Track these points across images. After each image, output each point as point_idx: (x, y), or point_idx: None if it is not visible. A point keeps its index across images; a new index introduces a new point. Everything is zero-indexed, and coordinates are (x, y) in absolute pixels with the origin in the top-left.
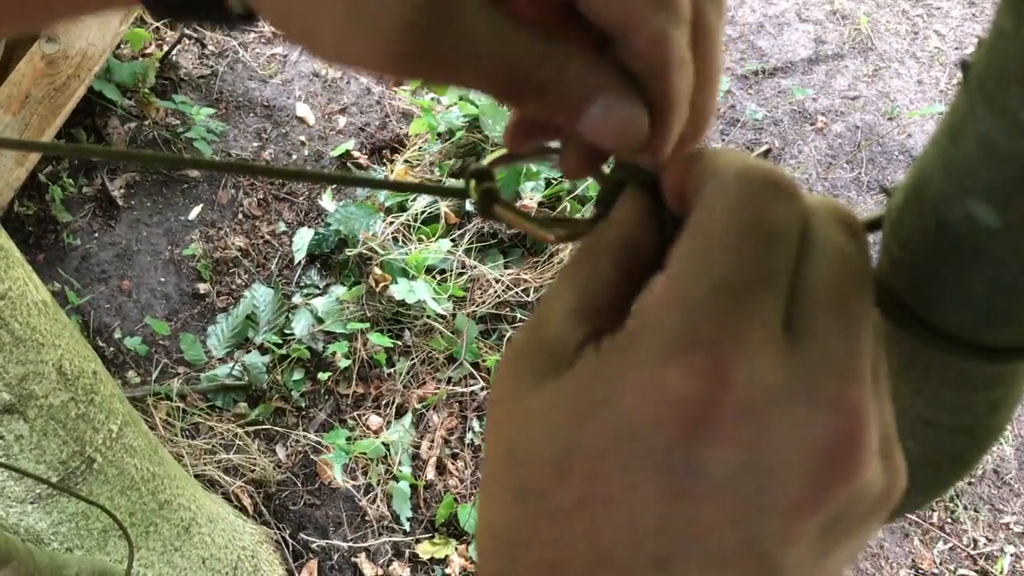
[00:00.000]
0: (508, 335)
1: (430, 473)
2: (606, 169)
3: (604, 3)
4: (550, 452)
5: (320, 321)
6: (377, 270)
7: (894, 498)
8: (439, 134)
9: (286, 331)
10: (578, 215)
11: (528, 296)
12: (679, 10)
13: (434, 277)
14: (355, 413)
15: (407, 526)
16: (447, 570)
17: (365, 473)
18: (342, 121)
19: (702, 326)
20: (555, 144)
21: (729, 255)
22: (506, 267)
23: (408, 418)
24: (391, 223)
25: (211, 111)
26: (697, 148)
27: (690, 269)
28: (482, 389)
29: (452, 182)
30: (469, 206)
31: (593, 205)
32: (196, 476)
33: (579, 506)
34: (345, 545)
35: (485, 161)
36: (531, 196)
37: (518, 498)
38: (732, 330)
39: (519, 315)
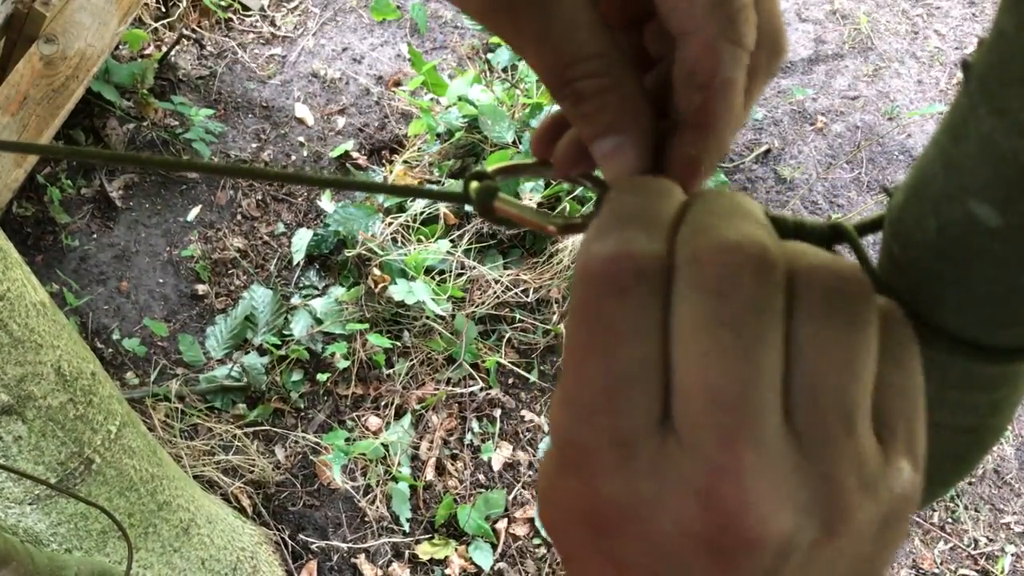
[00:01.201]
0: (507, 336)
1: (429, 474)
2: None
3: (672, 4)
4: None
5: (319, 322)
6: (376, 271)
7: (848, 532)
8: (438, 135)
9: (285, 332)
10: (576, 215)
11: (527, 296)
12: (740, 33)
13: (433, 278)
14: (354, 414)
15: (406, 527)
16: (447, 571)
17: (364, 474)
18: (341, 122)
19: (568, 454)
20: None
21: (574, 376)
22: (505, 268)
23: (407, 419)
24: (390, 224)
25: (210, 112)
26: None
27: (557, 393)
28: (481, 390)
29: (451, 183)
30: (468, 208)
31: (592, 206)
32: (195, 477)
33: (568, 560)
34: (344, 546)
35: (488, 167)
36: (530, 196)
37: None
38: (589, 457)
39: (518, 315)
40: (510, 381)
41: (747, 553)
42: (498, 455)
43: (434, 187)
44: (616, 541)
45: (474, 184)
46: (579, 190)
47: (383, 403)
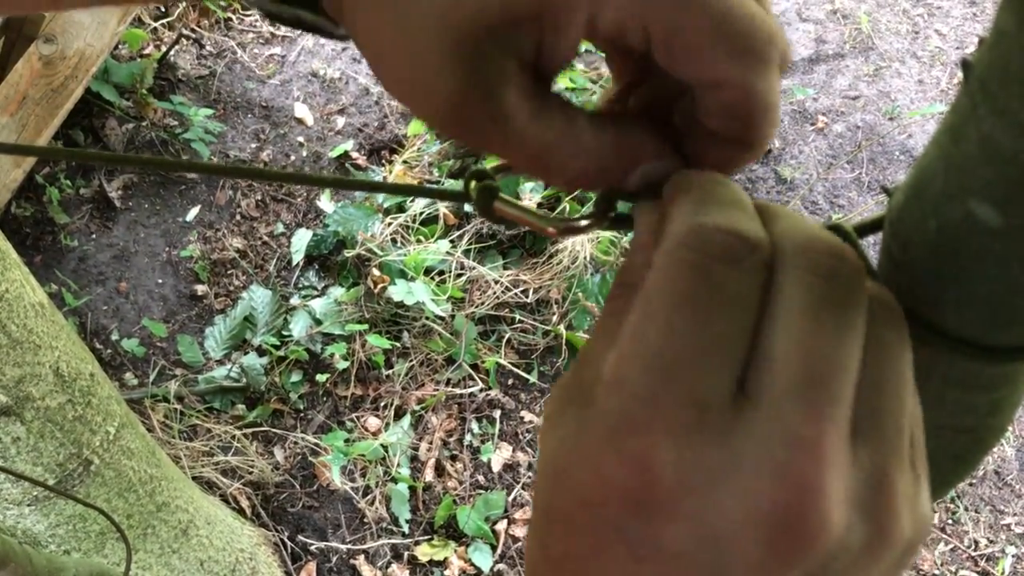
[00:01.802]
0: (507, 337)
1: (429, 475)
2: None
3: (687, 63)
4: (540, 505)
5: (318, 323)
6: (375, 271)
7: (889, 546)
8: (438, 135)
9: (284, 333)
10: (576, 215)
11: (527, 297)
12: (765, 58)
13: (433, 278)
14: (353, 415)
15: (406, 528)
16: (446, 572)
17: (364, 475)
18: (340, 122)
19: (633, 411)
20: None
21: (662, 332)
22: (505, 268)
23: (407, 420)
24: (389, 224)
25: (209, 112)
26: (677, 178)
27: (628, 347)
28: (481, 391)
29: (451, 183)
30: (468, 207)
31: (592, 206)
32: (194, 478)
33: (564, 558)
34: (344, 547)
35: (488, 165)
36: (530, 197)
37: (531, 540)
38: (660, 414)
39: (518, 316)
40: (510, 382)
41: (809, 541)
42: (498, 456)
43: (434, 187)
44: (658, 523)
45: (474, 184)
46: (579, 190)
47: (382, 404)
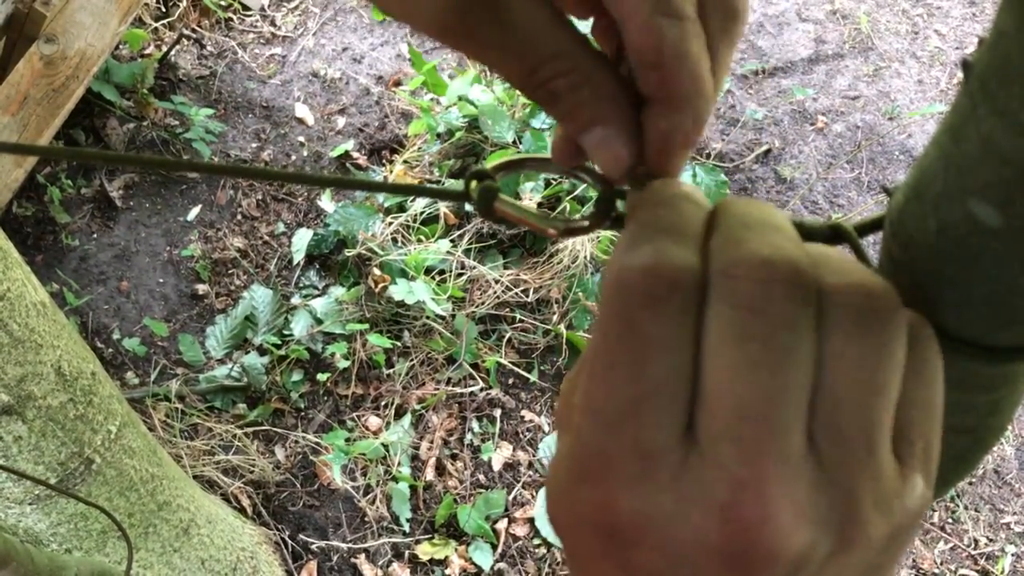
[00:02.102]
0: (507, 336)
1: (429, 474)
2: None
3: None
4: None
5: (319, 322)
6: (376, 271)
7: (859, 549)
8: (438, 135)
9: (285, 332)
10: (577, 215)
11: (528, 296)
12: (673, 6)
13: (433, 278)
14: (354, 414)
15: (407, 527)
16: (447, 571)
17: (364, 474)
18: (341, 122)
19: (587, 462)
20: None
21: (601, 387)
22: (505, 267)
23: (407, 419)
24: (390, 224)
25: (210, 112)
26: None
27: (580, 400)
28: (481, 390)
29: (451, 183)
30: (469, 207)
31: (593, 206)
32: (195, 477)
33: (571, 557)
34: (344, 546)
35: (487, 164)
36: (530, 196)
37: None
38: (610, 466)
39: (519, 315)
40: (510, 381)
41: (764, 566)
42: (498, 455)
43: (434, 187)
44: (631, 551)
45: (475, 184)
46: (580, 189)
47: (383, 403)
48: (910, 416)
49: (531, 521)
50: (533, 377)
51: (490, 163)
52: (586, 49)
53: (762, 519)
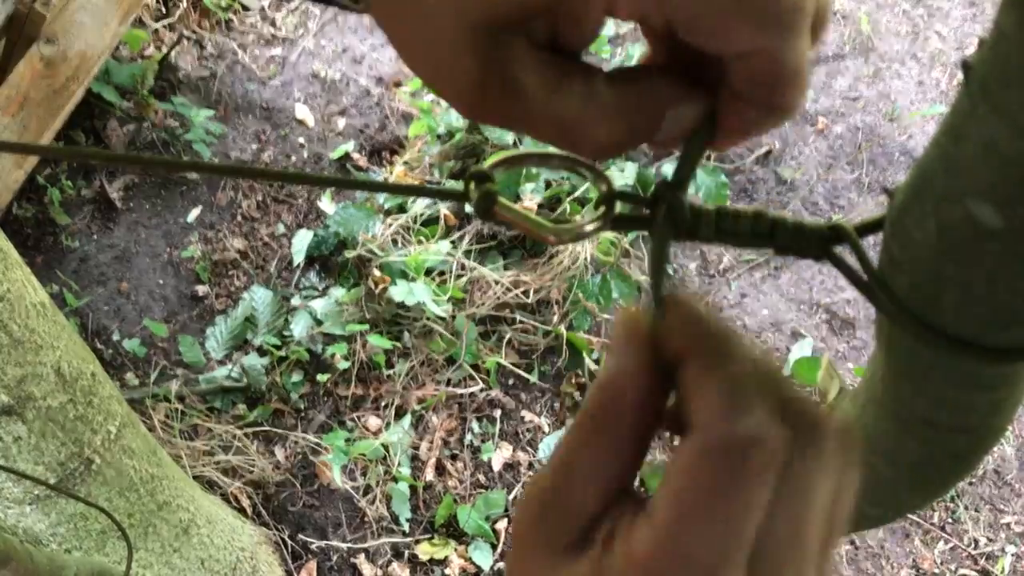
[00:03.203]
0: (507, 337)
1: (429, 474)
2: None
3: (712, 40)
4: None
5: (319, 323)
6: (376, 272)
7: None
8: (439, 136)
9: (285, 333)
10: (578, 216)
11: (528, 298)
12: (792, 27)
13: (433, 279)
14: (354, 414)
15: (406, 527)
16: (446, 571)
17: (364, 474)
18: (341, 123)
19: None
20: (554, 150)
21: (698, 535)
22: (506, 269)
23: (407, 419)
24: (390, 225)
25: (210, 113)
26: (698, 308)
27: (662, 540)
28: (481, 391)
29: (452, 184)
30: (469, 208)
31: (593, 206)
32: (195, 477)
33: None
34: (344, 546)
35: (485, 164)
36: (531, 197)
37: None
38: None
39: (519, 317)
40: (510, 382)
41: None
42: (498, 456)
43: (434, 187)
44: None
45: (474, 185)
46: (580, 191)
47: (383, 404)
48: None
49: None
50: (533, 378)
51: (489, 163)
52: (600, 84)
53: None
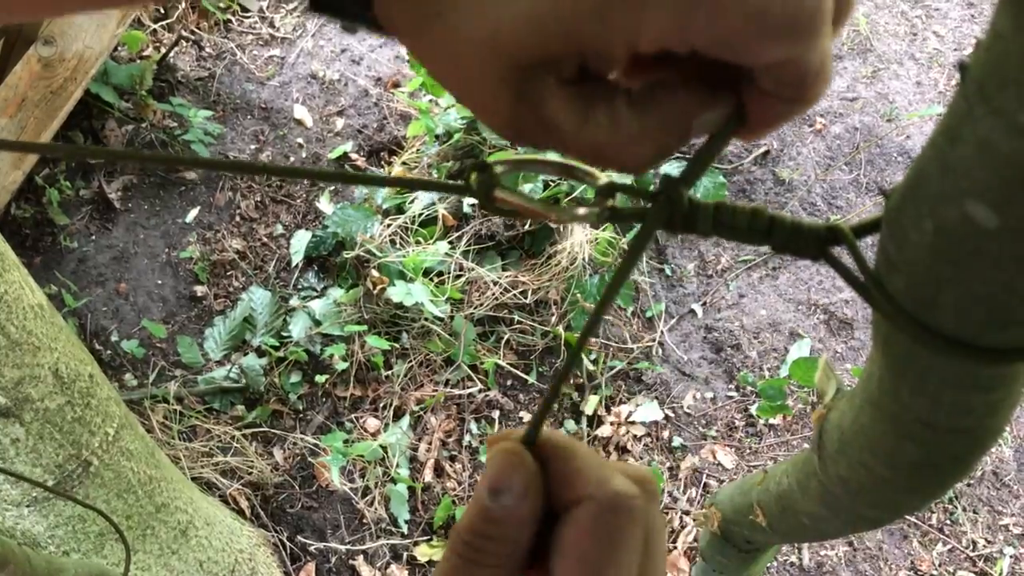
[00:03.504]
0: (506, 338)
1: (428, 475)
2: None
3: (738, 57)
4: None
5: (317, 324)
6: (375, 272)
7: None
8: (437, 136)
9: (283, 334)
10: (575, 208)
11: (526, 298)
12: (814, 30)
13: (432, 279)
14: (353, 415)
15: (405, 528)
16: None
17: (363, 475)
18: (340, 123)
19: None
20: (552, 157)
21: None
22: (504, 269)
23: (406, 420)
24: (388, 225)
25: (209, 113)
26: (569, 447)
27: None
28: (480, 391)
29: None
30: (467, 208)
31: (594, 196)
32: (193, 479)
33: None
34: (343, 548)
35: (489, 158)
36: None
37: None
38: None
39: (517, 317)
40: (509, 383)
41: None
42: None
43: (436, 180)
44: None
45: (475, 175)
46: (577, 191)
47: (382, 405)
48: None
49: None
50: (531, 378)
51: (492, 158)
52: (621, 109)
53: None
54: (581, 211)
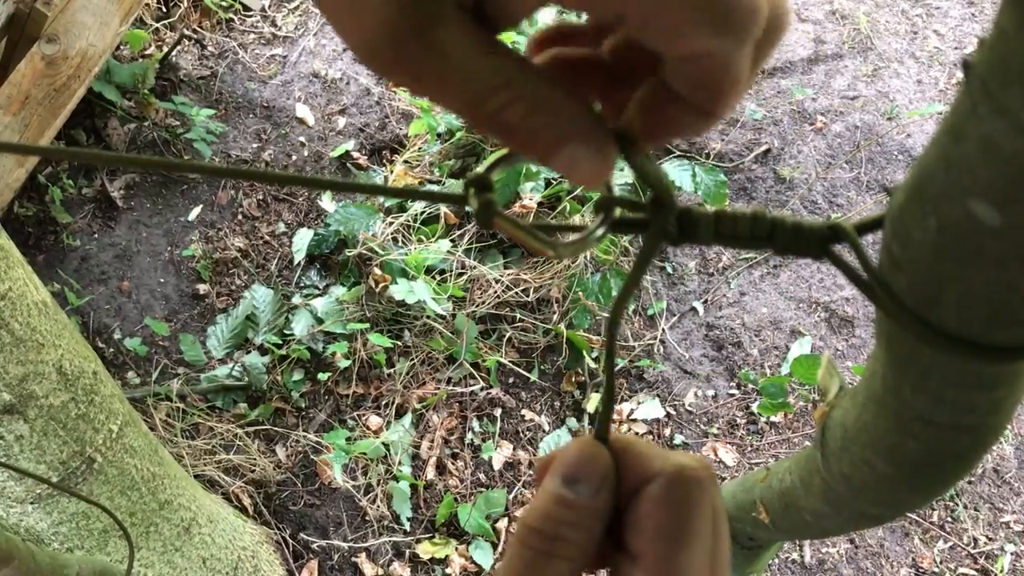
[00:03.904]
0: (508, 335)
1: (430, 473)
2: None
3: (665, 41)
4: None
5: (320, 321)
6: (377, 270)
7: None
8: (439, 134)
9: (286, 332)
10: (577, 215)
11: (528, 296)
12: (747, 33)
13: (434, 277)
14: (355, 413)
15: (407, 526)
16: (447, 570)
17: (365, 473)
18: (341, 122)
19: None
20: None
21: (687, 564)
22: (506, 267)
23: (408, 418)
24: (391, 223)
25: (211, 112)
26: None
27: None
28: (482, 389)
29: (452, 183)
30: (469, 208)
31: (593, 210)
32: (196, 476)
33: None
34: (345, 545)
35: (482, 167)
36: (530, 196)
37: None
38: None
39: (519, 315)
40: (511, 380)
41: None
42: (499, 454)
43: (435, 187)
44: None
45: (473, 192)
46: (579, 189)
47: (384, 402)
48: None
49: None
50: (533, 376)
51: (487, 163)
52: (530, 70)
53: None
54: (579, 241)
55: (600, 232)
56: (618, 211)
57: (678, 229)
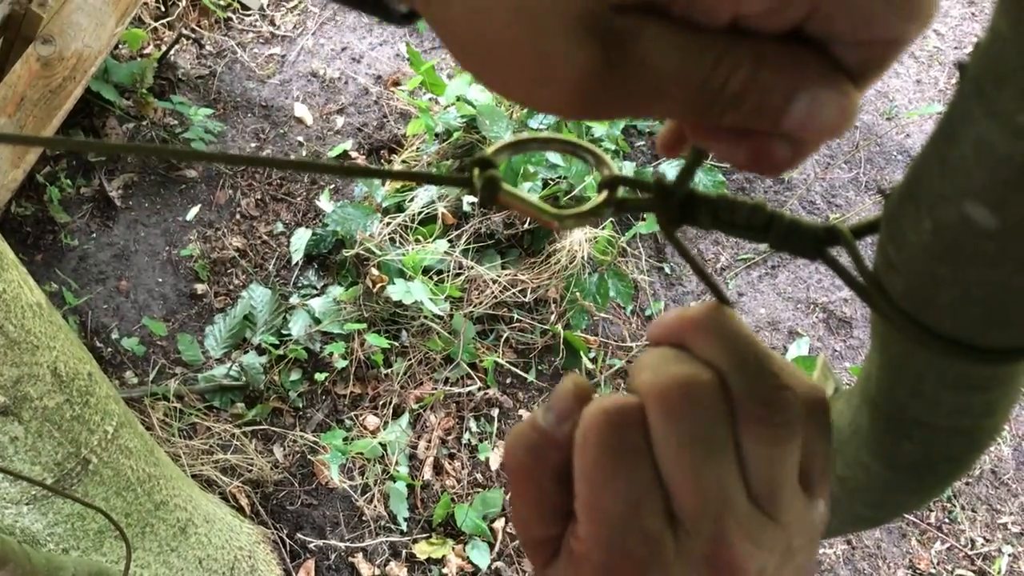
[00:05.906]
0: (505, 336)
1: (427, 473)
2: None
3: (855, 30)
4: None
5: (317, 321)
6: (374, 271)
7: (790, 559)
8: (437, 134)
9: (283, 331)
10: (575, 211)
11: (525, 296)
12: (928, 15)
13: (431, 278)
14: (352, 413)
15: (404, 526)
16: (444, 570)
17: (362, 473)
18: (340, 121)
19: (614, 558)
20: (555, 135)
21: (601, 496)
22: (503, 267)
23: (405, 418)
24: (388, 224)
25: (209, 111)
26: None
27: (585, 514)
28: (479, 389)
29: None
30: (467, 206)
31: (596, 190)
32: (193, 476)
33: None
34: (342, 545)
35: (489, 150)
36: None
37: None
38: (631, 553)
39: (516, 315)
40: (508, 381)
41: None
42: (495, 455)
43: (438, 173)
44: None
45: (478, 172)
46: (577, 189)
47: (381, 402)
48: (811, 462)
49: None
50: (531, 377)
51: (493, 147)
52: (732, 34)
53: (733, 556)
54: (584, 208)
55: (604, 207)
56: (621, 190)
57: (680, 211)
